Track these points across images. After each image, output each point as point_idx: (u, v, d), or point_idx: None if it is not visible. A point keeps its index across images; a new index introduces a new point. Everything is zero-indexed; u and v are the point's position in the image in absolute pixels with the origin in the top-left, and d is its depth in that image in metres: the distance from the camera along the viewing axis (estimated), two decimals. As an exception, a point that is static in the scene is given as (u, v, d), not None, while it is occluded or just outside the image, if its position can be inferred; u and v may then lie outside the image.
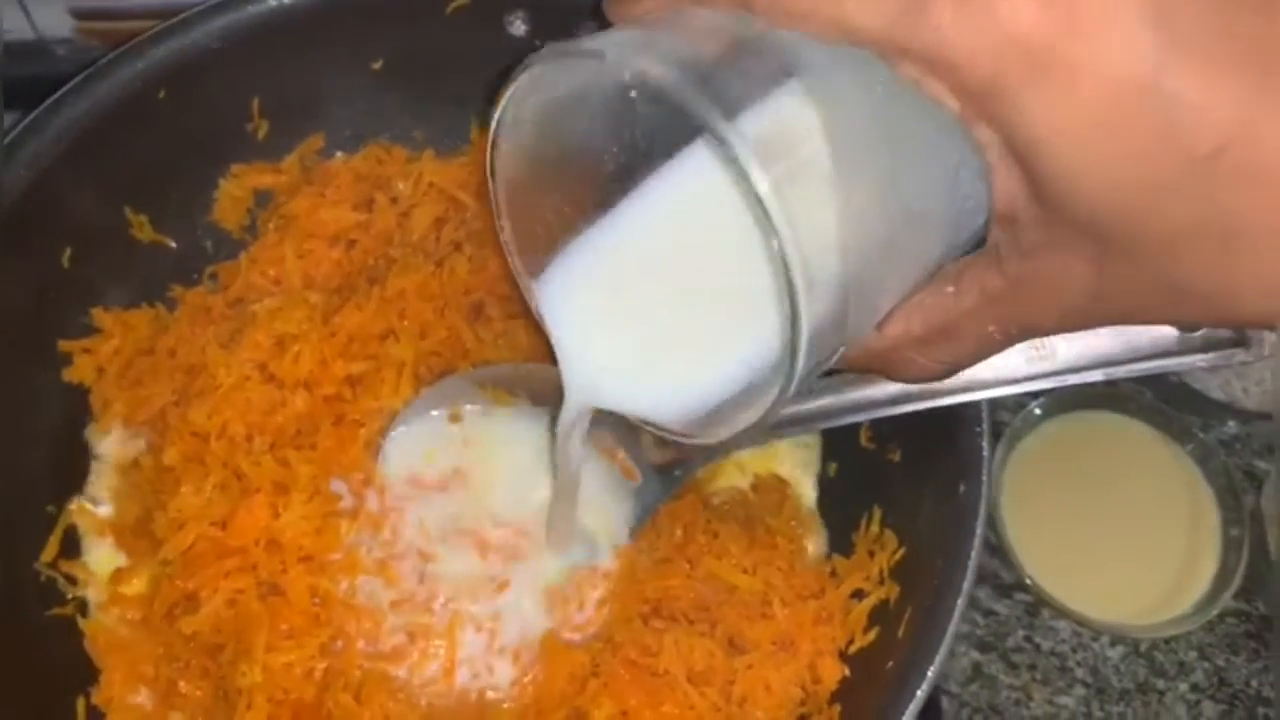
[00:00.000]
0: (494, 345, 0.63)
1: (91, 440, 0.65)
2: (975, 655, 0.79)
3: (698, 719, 0.54)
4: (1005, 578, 0.80)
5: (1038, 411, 0.80)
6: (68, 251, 0.63)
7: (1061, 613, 0.76)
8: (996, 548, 0.79)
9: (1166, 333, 0.51)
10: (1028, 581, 0.77)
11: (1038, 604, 0.80)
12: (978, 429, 0.54)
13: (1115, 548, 0.77)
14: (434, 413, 0.62)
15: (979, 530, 0.53)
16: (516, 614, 0.59)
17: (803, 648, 0.56)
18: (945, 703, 0.77)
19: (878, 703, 0.51)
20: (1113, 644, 0.79)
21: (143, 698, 0.58)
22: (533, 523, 0.61)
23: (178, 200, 0.68)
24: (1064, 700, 0.78)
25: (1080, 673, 0.78)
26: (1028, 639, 0.80)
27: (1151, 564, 0.76)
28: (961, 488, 0.54)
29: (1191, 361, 0.51)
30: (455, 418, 0.63)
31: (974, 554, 0.52)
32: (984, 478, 0.53)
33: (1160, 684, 0.78)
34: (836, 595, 0.58)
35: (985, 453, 0.54)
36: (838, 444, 0.65)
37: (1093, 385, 0.82)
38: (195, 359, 0.62)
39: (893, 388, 0.55)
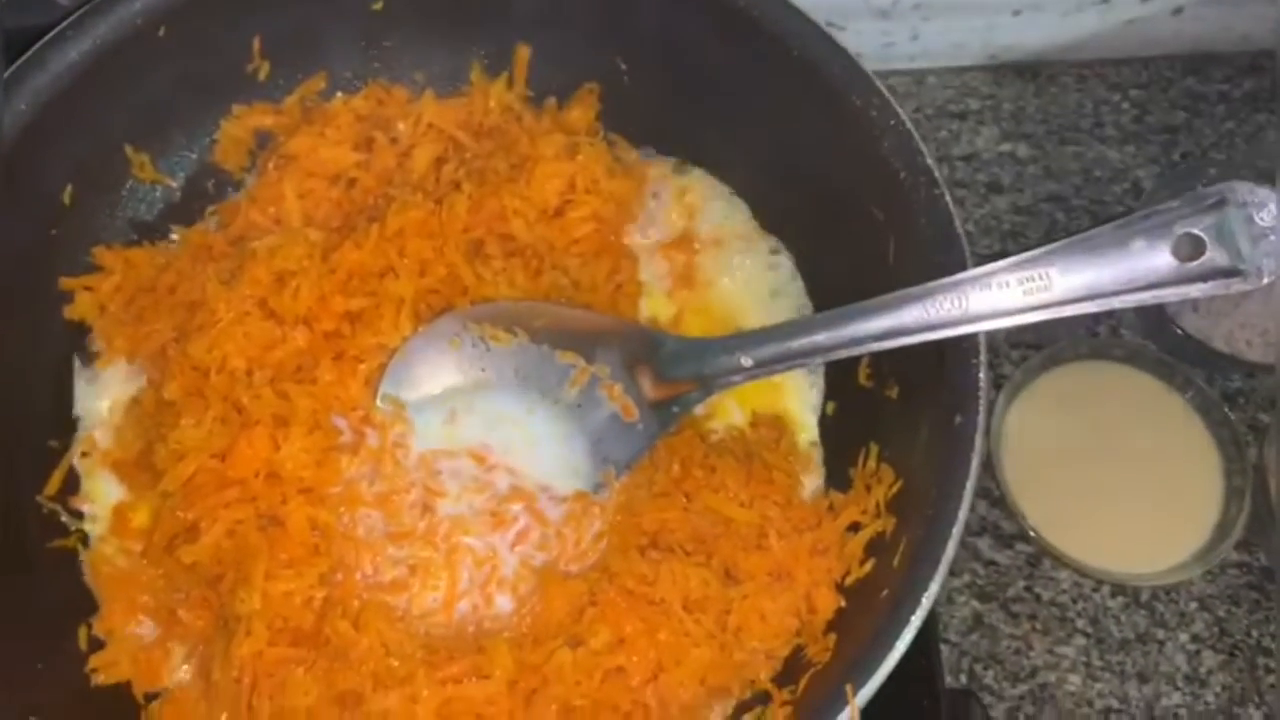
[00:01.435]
0: (493, 283, 0.63)
1: (92, 376, 0.65)
2: (975, 605, 0.79)
3: (693, 646, 0.54)
4: (1006, 529, 0.80)
5: (1039, 362, 0.79)
6: (69, 189, 0.64)
7: (1062, 562, 0.76)
8: (998, 498, 0.79)
9: (1163, 262, 0.51)
10: (1030, 533, 0.76)
11: (1038, 554, 0.80)
12: (974, 360, 0.54)
13: (1117, 498, 0.77)
14: (433, 348, 0.62)
15: (975, 460, 0.52)
16: (515, 547, 0.59)
17: (799, 579, 0.56)
18: (945, 651, 0.77)
19: (873, 630, 0.51)
20: (1113, 594, 0.79)
21: (144, 628, 0.58)
22: (532, 457, 0.61)
23: (179, 140, 0.68)
24: (1064, 650, 0.78)
25: (1080, 623, 0.78)
26: (1028, 589, 0.80)
27: (1153, 514, 0.76)
28: (958, 419, 0.54)
29: (1187, 291, 0.51)
30: (455, 346, 0.63)
31: (970, 483, 0.52)
32: (980, 409, 0.53)
33: (1160, 634, 0.78)
34: (833, 528, 0.58)
35: (982, 384, 0.54)
36: (836, 383, 0.65)
37: (1094, 335, 0.82)
38: (195, 295, 0.62)
39: (889, 322, 0.55)
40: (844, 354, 0.56)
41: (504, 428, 0.63)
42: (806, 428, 0.64)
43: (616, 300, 0.65)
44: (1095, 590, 0.79)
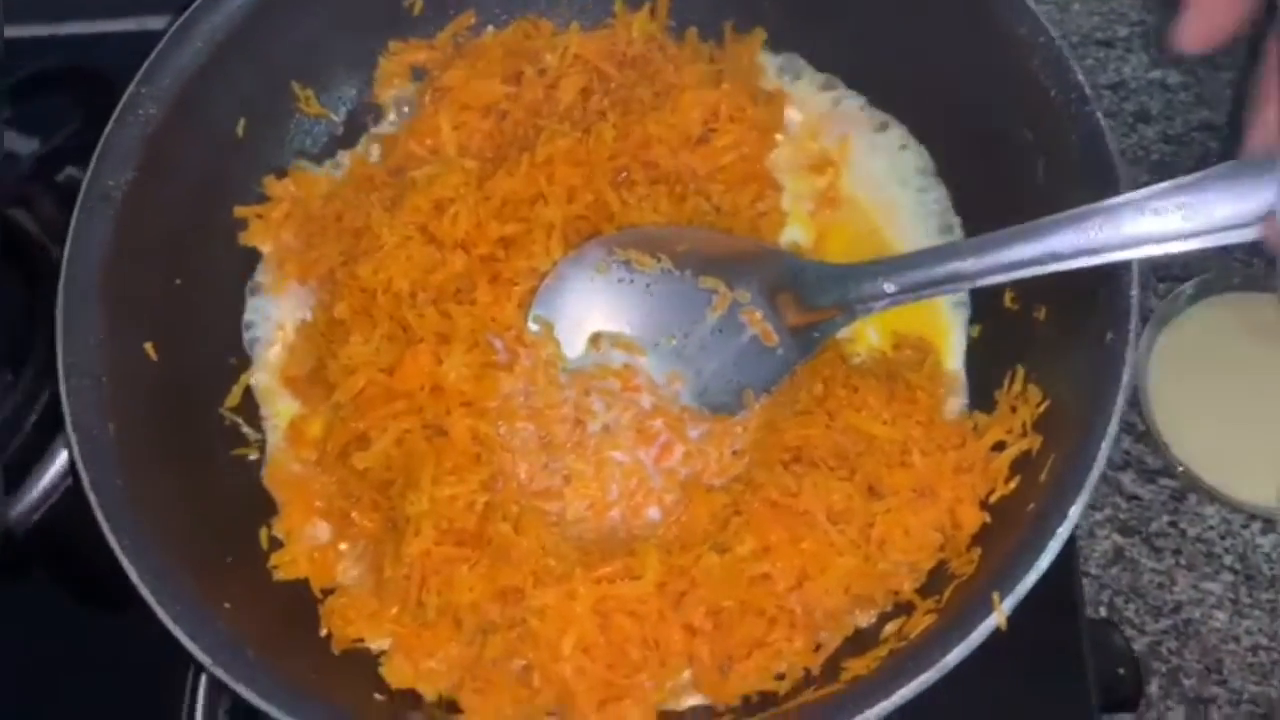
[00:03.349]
0: (637, 209, 0.65)
1: (266, 299, 0.69)
2: (1117, 539, 0.78)
3: (837, 555, 0.55)
4: (1150, 463, 0.79)
5: (1188, 294, 0.78)
6: (242, 122, 0.68)
7: (1211, 497, 0.74)
8: (1142, 433, 0.77)
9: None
10: (1178, 466, 0.75)
11: (1183, 490, 0.79)
12: (1126, 277, 0.54)
13: (1268, 433, 0.75)
14: (581, 273, 0.64)
15: (1125, 375, 0.52)
16: (659, 462, 0.62)
17: (942, 495, 0.57)
18: (1085, 584, 0.76)
19: (1016, 544, 0.52)
20: (1264, 531, 0.77)
21: (318, 530, 0.63)
22: (677, 377, 0.63)
23: (340, 75, 0.72)
24: (1210, 586, 0.77)
25: (1228, 559, 0.77)
26: (1172, 524, 0.79)
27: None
28: (1109, 336, 0.53)
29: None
30: (602, 271, 0.65)
31: (1119, 398, 0.52)
32: (1131, 325, 0.53)
33: (1312, 572, 0.76)
34: (977, 447, 0.58)
35: (1134, 301, 0.53)
36: (981, 306, 0.65)
37: (1248, 265, 0.80)
38: (360, 222, 0.66)
39: (1039, 248, 0.54)
40: (992, 280, 0.56)
41: (647, 350, 0.64)
42: (951, 351, 0.65)
43: (759, 226, 0.66)
44: (1244, 527, 0.77)
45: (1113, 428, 0.51)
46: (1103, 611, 0.77)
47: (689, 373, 0.64)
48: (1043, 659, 0.63)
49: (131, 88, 0.63)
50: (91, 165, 0.61)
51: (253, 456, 0.66)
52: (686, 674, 0.57)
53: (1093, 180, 0.56)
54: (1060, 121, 0.58)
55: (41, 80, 0.74)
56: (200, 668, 0.51)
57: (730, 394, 0.63)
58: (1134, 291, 0.53)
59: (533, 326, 0.64)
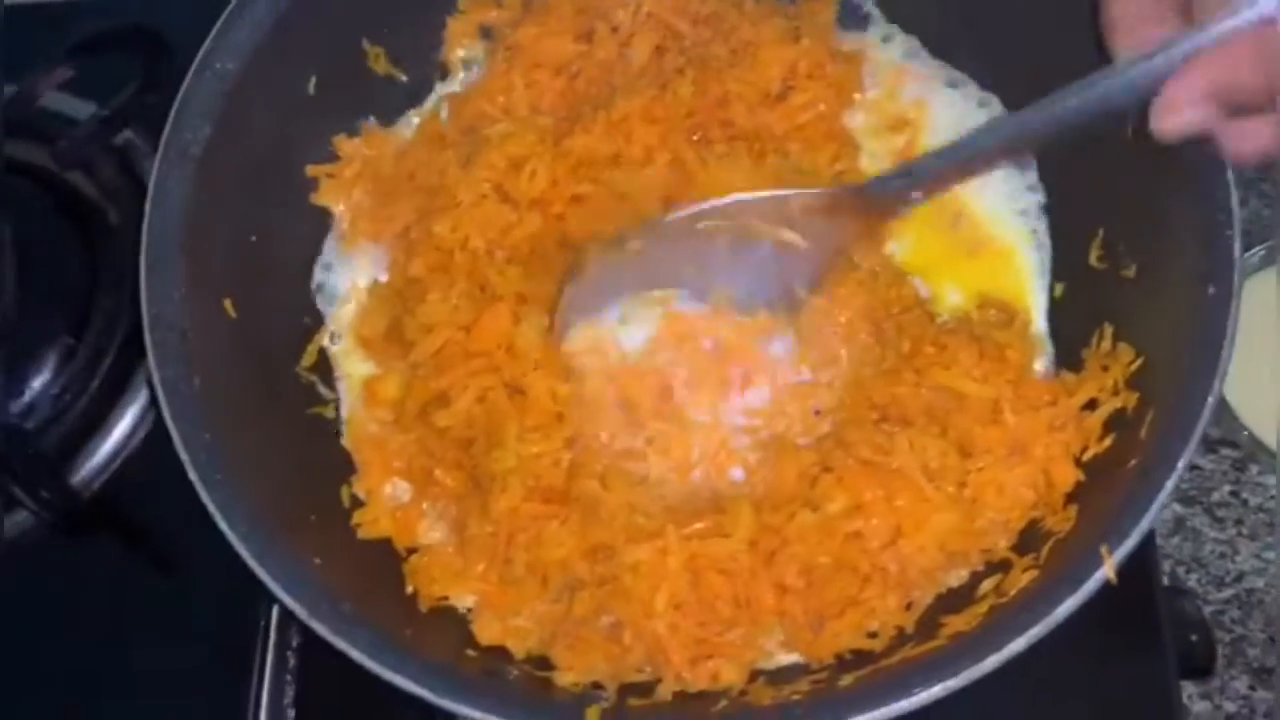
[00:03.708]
0: (716, 165, 0.64)
1: (339, 258, 0.68)
2: (1177, 508, 0.78)
3: (934, 511, 0.55)
4: (1211, 433, 0.78)
5: (1255, 260, 0.77)
6: (313, 79, 0.67)
7: (1273, 464, 0.74)
8: (1205, 400, 0.77)
9: None
10: (1243, 432, 0.75)
11: (1245, 459, 0.78)
12: (1228, 231, 0.53)
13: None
14: (656, 245, 0.62)
15: (1230, 328, 0.52)
16: (741, 416, 0.61)
17: (1035, 454, 0.56)
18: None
19: (1120, 498, 0.51)
20: (1328, 501, 0.77)
21: (398, 489, 0.62)
22: (758, 328, 0.62)
23: (409, 35, 0.71)
24: (1272, 555, 0.77)
25: (1291, 529, 0.77)
26: (1234, 494, 0.79)
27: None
28: (1211, 289, 0.53)
29: None
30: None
31: (1224, 352, 0.51)
32: (1235, 278, 0.52)
33: (1377, 542, 0.76)
34: (1069, 405, 0.57)
35: (1236, 254, 0.53)
36: (1064, 265, 0.64)
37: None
38: (434, 180, 0.65)
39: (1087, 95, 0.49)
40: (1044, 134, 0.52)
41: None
42: (1034, 311, 0.64)
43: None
44: (1308, 496, 0.77)
45: (1217, 382, 0.51)
46: (1165, 581, 0.76)
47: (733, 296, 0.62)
48: (1120, 627, 0.63)
49: (208, 42, 0.62)
50: (170, 119, 0.61)
51: (329, 415, 0.65)
52: (779, 635, 0.57)
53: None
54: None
55: (101, 41, 0.73)
56: (293, 622, 0.50)
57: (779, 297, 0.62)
58: (1237, 244, 0.53)
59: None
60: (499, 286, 0.61)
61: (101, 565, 0.69)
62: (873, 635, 0.56)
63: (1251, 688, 0.76)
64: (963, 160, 0.56)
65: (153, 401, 0.69)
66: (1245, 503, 0.78)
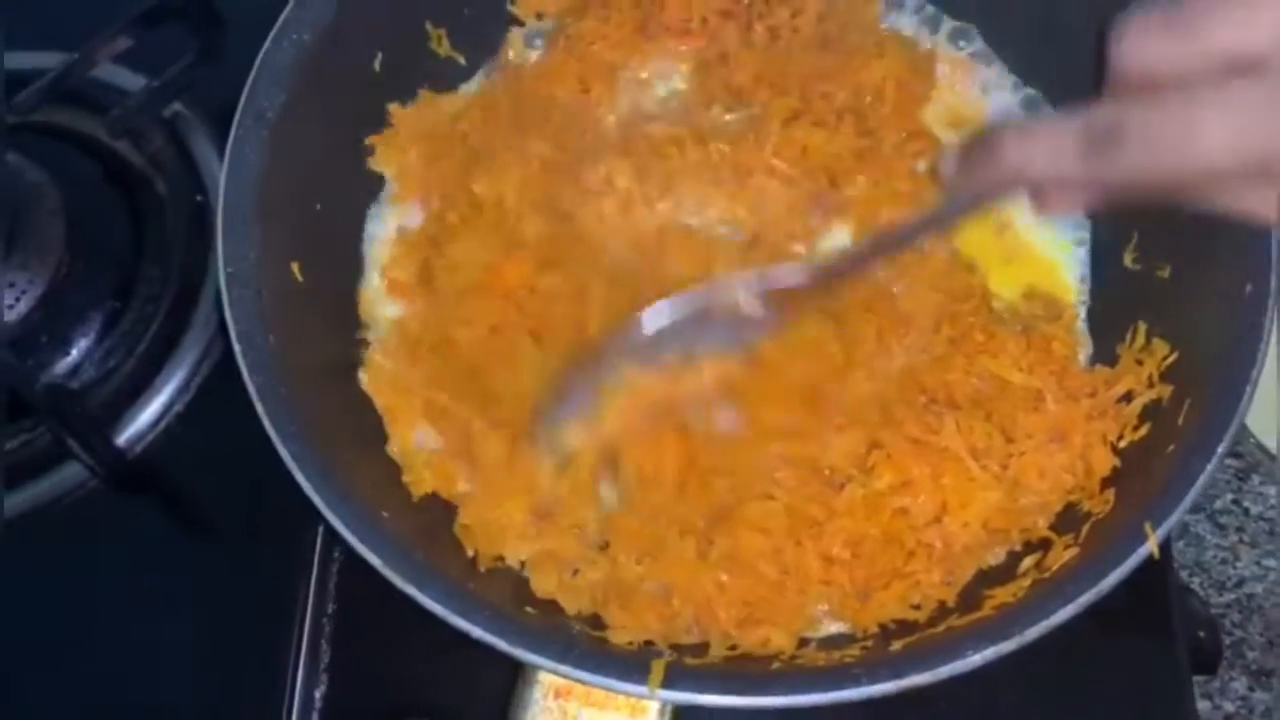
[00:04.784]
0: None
1: (384, 216, 0.70)
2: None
3: (980, 489, 0.57)
4: (1216, 441, 0.81)
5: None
6: (379, 56, 0.69)
7: (1274, 474, 0.77)
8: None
9: None
10: (1250, 439, 0.78)
11: (1247, 469, 0.81)
12: (1267, 231, 0.56)
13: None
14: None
15: (1269, 325, 0.54)
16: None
17: (1074, 441, 0.59)
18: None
19: (1160, 482, 0.54)
20: (1325, 510, 0.80)
21: (426, 436, 0.63)
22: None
23: (471, 19, 0.72)
24: (1271, 563, 0.80)
25: (1290, 537, 0.80)
26: (1235, 502, 0.82)
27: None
28: (1248, 288, 0.55)
29: None
30: None
31: (1264, 345, 0.54)
32: (1273, 277, 0.55)
33: (1378, 552, 0.79)
34: (1108, 396, 0.60)
35: (1274, 252, 0.55)
36: (1100, 266, 0.67)
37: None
38: (484, 143, 0.67)
39: None
40: None
41: None
42: (1072, 307, 0.66)
43: (920, 185, 0.66)
44: (1307, 505, 0.80)
45: (1256, 371, 0.53)
46: (1173, 581, 0.79)
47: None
48: (1133, 621, 0.65)
49: (286, 12, 0.63)
50: (248, 84, 0.62)
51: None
52: (825, 604, 0.58)
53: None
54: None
55: (158, 14, 0.75)
56: (364, 570, 0.51)
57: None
58: (1275, 244, 0.55)
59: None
60: (527, 232, 0.63)
61: (146, 525, 0.70)
62: (915, 607, 0.58)
63: (1250, 689, 0.78)
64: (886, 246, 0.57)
65: (204, 366, 0.70)
66: (1247, 511, 0.81)
